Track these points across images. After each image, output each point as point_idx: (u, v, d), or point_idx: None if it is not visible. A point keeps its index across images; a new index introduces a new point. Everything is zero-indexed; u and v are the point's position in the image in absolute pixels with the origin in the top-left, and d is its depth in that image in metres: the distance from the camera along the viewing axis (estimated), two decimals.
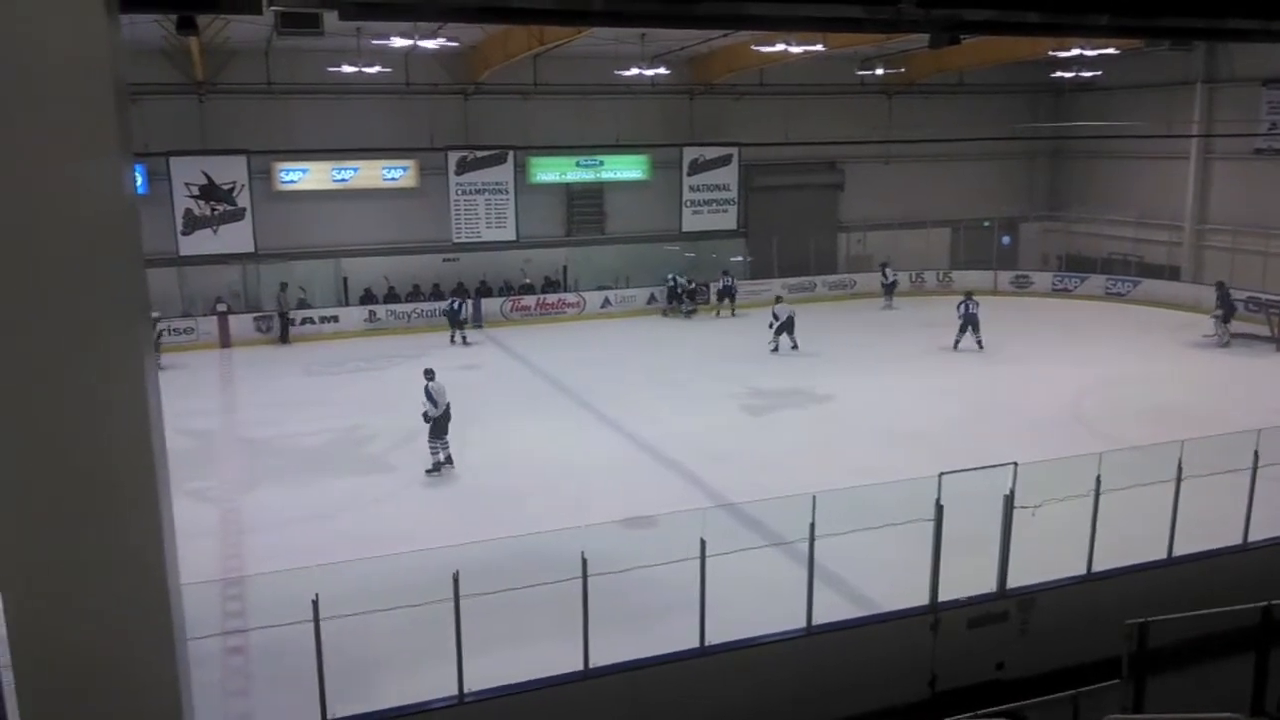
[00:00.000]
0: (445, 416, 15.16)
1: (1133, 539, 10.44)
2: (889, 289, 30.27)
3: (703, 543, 8.33)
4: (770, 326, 23.75)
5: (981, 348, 23.10)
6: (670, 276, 29.35)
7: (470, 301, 27.15)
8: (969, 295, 23.84)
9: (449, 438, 15.26)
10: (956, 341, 23.34)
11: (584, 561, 8.00)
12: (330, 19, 10.21)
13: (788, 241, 31.53)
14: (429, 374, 15.37)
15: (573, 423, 18.15)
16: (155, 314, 21.64)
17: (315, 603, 7.47)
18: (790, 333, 23.65)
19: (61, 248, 2.75)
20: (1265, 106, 28.17)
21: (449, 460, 15.26)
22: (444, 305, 26.42)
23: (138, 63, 20.66)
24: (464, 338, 25.73)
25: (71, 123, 2.70)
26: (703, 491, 14.16)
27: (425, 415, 15.09)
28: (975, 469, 9.17)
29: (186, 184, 25.46)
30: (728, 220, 31.54)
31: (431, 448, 15.14)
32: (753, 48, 24.75)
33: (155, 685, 3.02)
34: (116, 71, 2.88)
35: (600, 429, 17.69)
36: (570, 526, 9.14)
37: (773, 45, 22.71)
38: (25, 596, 2.93)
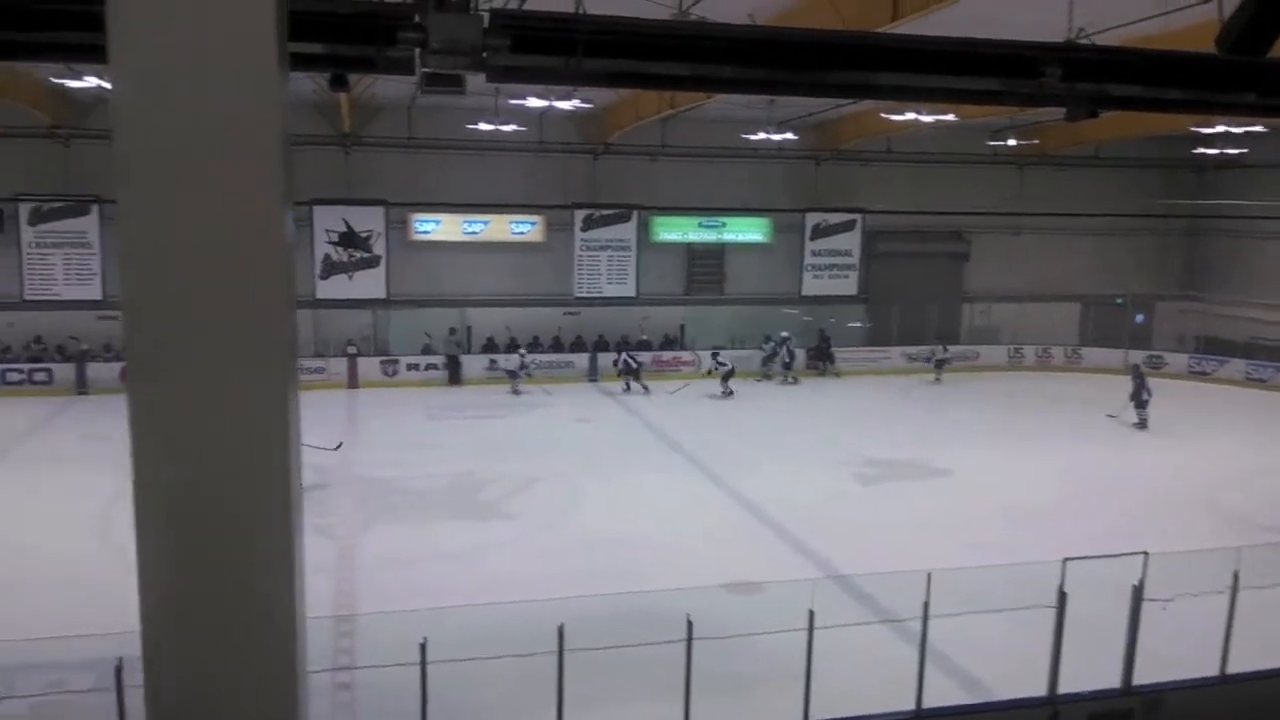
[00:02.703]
0: None
1: (1273, 641, 9.81)
2: (939, 364, 29.27)
3: (811, 615, 8.19)
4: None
5: (1143, 427, 22.41)
6: (771, 339, 28.90)
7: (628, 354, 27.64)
8: (1137, 368, 23.47)
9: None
10: (1142, 421, 22.60)
11: (689, 625, 7.95)
12: (472, 79, 10.69)
13: (909, 310, 31.06)
14: None
15: (683, 481, 18.13)
16: None
17: (423, 646, 7.62)
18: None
19: (229, 288, 2.94)
20: None
21: None
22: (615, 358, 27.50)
23: (291, 115, 21.86)
24: (644, 386, 26.70)
25: (245, 172, 2.90)
26: (810, 560, 13.92)
27: None
28: (1102, 556, 8.79)
29: (328, 231, 26.72)
30: (848, 286, 31.29)
31: None
32: (882, 115, 24.70)
33: (281, 714, 3.13)
34: (284, 124, 3.09)
35: (710, 489, 17.62)
36: (676, 587, 9.11)
37: (902, 114, 22.64)
38: (164, 625, 3.08)
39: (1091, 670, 9.03)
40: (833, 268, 31.03)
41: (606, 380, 27.70)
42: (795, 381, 28.66)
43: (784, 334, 28.76)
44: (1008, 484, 18.01)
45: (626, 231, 29.14)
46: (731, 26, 9.21)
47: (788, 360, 28.57)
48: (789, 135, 26.27)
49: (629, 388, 26.68)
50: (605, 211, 28.91)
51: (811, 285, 30.99)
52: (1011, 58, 7.58)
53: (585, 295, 29.20)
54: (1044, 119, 25.92)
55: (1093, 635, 8.83)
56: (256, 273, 2.95)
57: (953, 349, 31.10)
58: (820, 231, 30.76)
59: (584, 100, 21.14)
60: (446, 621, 8.44)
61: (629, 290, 29.38)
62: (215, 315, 2.89)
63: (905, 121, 23.31)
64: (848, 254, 31.05)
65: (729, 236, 30.65)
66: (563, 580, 12.25)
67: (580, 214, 28.73)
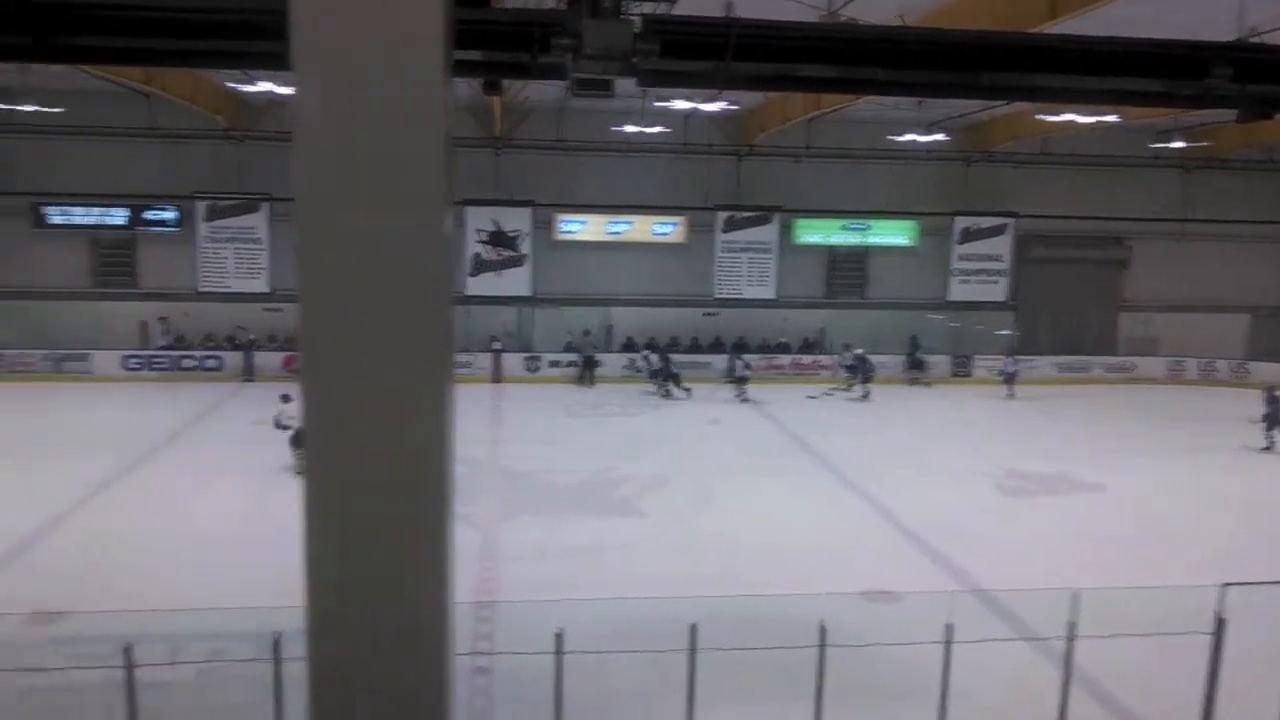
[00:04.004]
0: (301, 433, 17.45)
1: None
2: (1010, 378, 27.34)
3: (949, 628, 8.01)
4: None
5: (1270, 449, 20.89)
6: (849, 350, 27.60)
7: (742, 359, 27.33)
8: (1271, 390, 21.61)
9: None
10: (1271, 443, 21.14)
11: (822, 631, 7.91)
12: (621, 82, 10.87)
13: (1061, 318, 29.87)
14: (285, 398, 17.62)
15: (816, 486, 17.95)
16: None
17: (559, 636, 7.82)
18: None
19: (394, 283, 3.10)
20: None
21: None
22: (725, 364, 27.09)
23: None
24: (685, 390, 26.04)
25: (411, 173, 3.06)
26: (948, 572, 13.57)
27: (279, 426, 17.67)
28: (1266, 583, 8.30)
29: (478, 230, 27.61)
30: (996, 292, 30.32)
31: (297, 455, 17.09)
32: (1036, 116, 23.86)
33: (430, 695, 3.30)
34: (447, 129, 3.26)
35: (845, 494, 17.38)
36: (809, 593, 9.06)
37: (1059, 114, 21.81)
38: (327, 601, 3.27)
39: (1249, 703, 8.54)
40: (981, 273, 30.12)
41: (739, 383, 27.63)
42: (928, 385, 28.05)
43: (858, 350, 27.20)
44: (1159, 501, 17.15)
45: (768, 233, 29.02)
46: (882, 28, 9.09)
47: (869, 373, 26.65)
48: (939, 136, 25.64)
49: (669, 393, 25.94)
50: (747, 213, 28.85)
51: (958, 290, 30.17)
52: (1177, 58, 7.24)
53: (724, 296, 29.22)
54: (1214, 119, 24.54)
55: (1251, 666, 8.34)
56: (419, 269, 3.13)
57: (1107, 359, 29.74)
58: (969, 235, 29.92)
59: (730, 103, 21.17)
60: (581, 613, 8.63)
61: (768, 292, 29.25)
62: (381, 309, 3.07)
63: (1062, 122, 22.46)
64: (998, 259, 30.09)
65: (873, 239, 30.13)
66: (694, 580, 12.32)
67: (722, 216, 28.78)
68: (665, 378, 26.12)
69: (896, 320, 29.67)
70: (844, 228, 29.88)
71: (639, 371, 26.98)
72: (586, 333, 28.55)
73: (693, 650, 7.84)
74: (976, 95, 11.16)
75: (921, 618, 8.37)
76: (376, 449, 3.14)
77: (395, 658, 3.33)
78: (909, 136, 25.27)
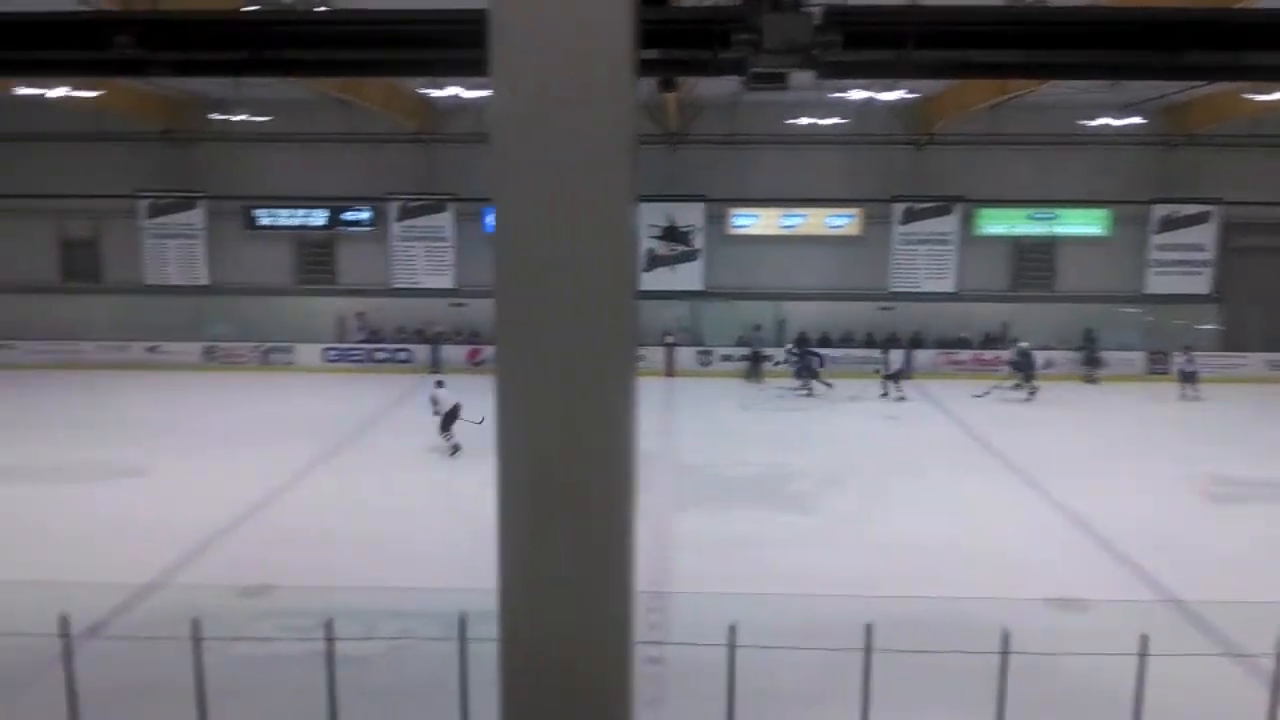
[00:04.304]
0: (450, 416, 18.88)
1: None
2: (1188, 378, 24.72)
3: (1144, 639, 7.60)
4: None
5: None
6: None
7: (899, 353, 26.65)
8: None
9: (453, 432, 18.80)
10: None
11: (1005, 637, 7.65)
12: (795, 74, 10.79)
13: (1273, 311, 27.64)
14: (439, 384, 19.74)
15: (999, 486, 17.29)
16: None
17: (733, 629, 7.87)
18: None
19: (583, 279, 3.22)
20: None
21: (455, 448, 18.73)
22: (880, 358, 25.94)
23: None
24: (826, 383, 25.37)
25: (599, 172, 3.17)
26: (1144, 582, 12.82)
27: (435, 412, 19.06)
28: None
29: (651, 225, 27.93)
30: (1199, 284, 28.34)
31: (444, 437, 18.92)
32: (1244, 96, 22.15)
33: (616, 680, 3.41)
34: (633, 128, 3.35)
35: (1030, 496, 16.67)
36: (992, 597, 8.77)
37: (1270, 94, 20.18)
38: (518, 594, 3.40)
39: None
40: (1182, 264, 28.22)
41: (919, 378, 26.90)
42: (1096, 382, 26.66)
43: (1023, 344, 25.71)
44: None
45: (948, 225, 28.13)
46: (1070, 9, 8.66)
47: (1030, 370, 25.05)
48: (1134, 120, 24.18)
49: (810, 390, 25.17)
50: (926, 204, 28.04)
51: (1156, 283, 28.38)
52: None
53: (901, 290, 28.51)
54: None
55: None
56: (606, 265, 3.22)
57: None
58: (1169, 224, 28.09)
59: (908, 90, 20.64)
60: (753, 607, 8.66)
61: (948, 285, 28.36)
62: (570, 304, 3.18)
63: (1272, 101, 20.76)
64: (1200, 249, 28.12)
65: (1061, 229, 28.71)
66: (869, 579, 12.13)
67: (899, 207, 28.08)
68: (809, 373, 25.56)
69: (1085, 314, 28.18)
70: (1030, 217, 28.61)
71: (780, 364, 26.50)
72: (757, 328, 28.46)
73: (868, 651, 7.74)
74: (1178, 77, 10.48)
75: (1114, 628, 8.00)
76: (565, 442, 3.27)
77: (583, 641, 3.45)
78: (1101, 120, 23.95)
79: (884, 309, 28.80)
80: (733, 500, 16.43)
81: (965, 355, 28.01)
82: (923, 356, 27.78)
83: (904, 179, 28.16)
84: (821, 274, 28.82)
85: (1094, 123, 24.33)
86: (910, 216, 28.19)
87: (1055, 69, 9.07)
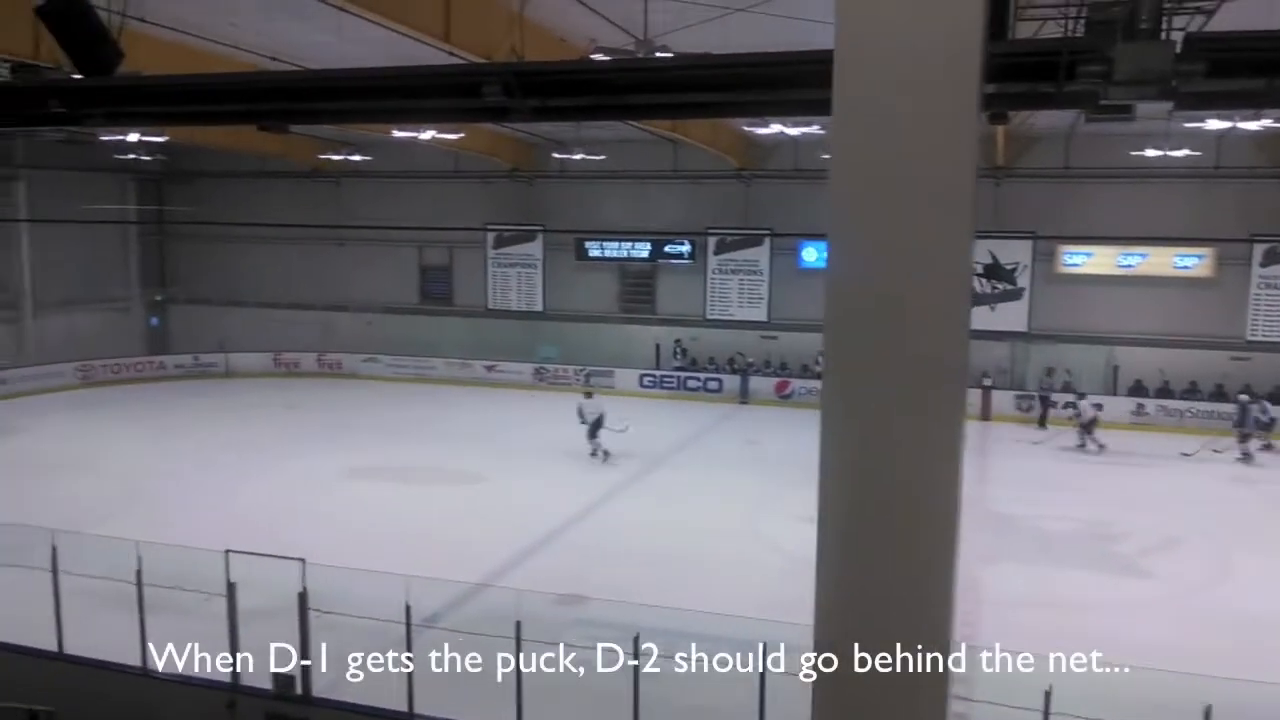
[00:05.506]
0: (595, 424, 20.57)
1: None
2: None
3: None
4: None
5: None
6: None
7: (1259, 404, 23.65)
8: None
9: (599, 439, 20.55)
10: None
11: None
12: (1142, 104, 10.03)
13: None
14: (587, 394, 21.69)
15: None
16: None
17: (1048, 694, 7.42)
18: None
19: (917, 316, 3.25)
20: None
21: (604, 454, 20.47)
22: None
23: None
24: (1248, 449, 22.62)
25: (939, 209, 3.20)
26: None
27: (582, 421, 20.78)
28: None
29: (974, 263, 26.84)
30: None
31: (591, 444, 20.60)
32: None
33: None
34: (975, 164, 3.34)
35: None
36: None
37: None
38: (836, 624, 3.46)
39: None
40: None
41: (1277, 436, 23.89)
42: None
43: (1243, 396, 22.63)
44: None
45: None
46: None
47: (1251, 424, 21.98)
48: None
49: (1247, 455, 22.13)
50: None
51: None
52: None
53: (1259, 340, 25.48)
54: None
55: None
56: (941, 303, 3.23)
57: None
58: None
59: (1277, 119, 18.52)
60: (1066, 674, 8.10)
61: None
62: (902, 340, 3.22)
63: None
64: None
65: None
66: (1205, 655, 10.92)
67: (1260, 248, 25.17)
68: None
69: None
70: None
71: (1070, 412, 24.30)
72: (1050, 373, 26.54)
73: None
74: None
75: None
76: (890, 477, 3.30)
77: (898, 691, 3.46)
78: None
79: (1237, 359, 25.83)
80: (1052, 556, 15.45)
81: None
82: None
83: (1267, 217, 25.19)
84: (1163, 317, 26.34)
85: None
86: (1273, 259, 25.18)
87: None
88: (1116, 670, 9.08)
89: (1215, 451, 22.04)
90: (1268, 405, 23.29)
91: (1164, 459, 22.24)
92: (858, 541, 3.38)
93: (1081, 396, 24.22)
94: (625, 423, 20.75)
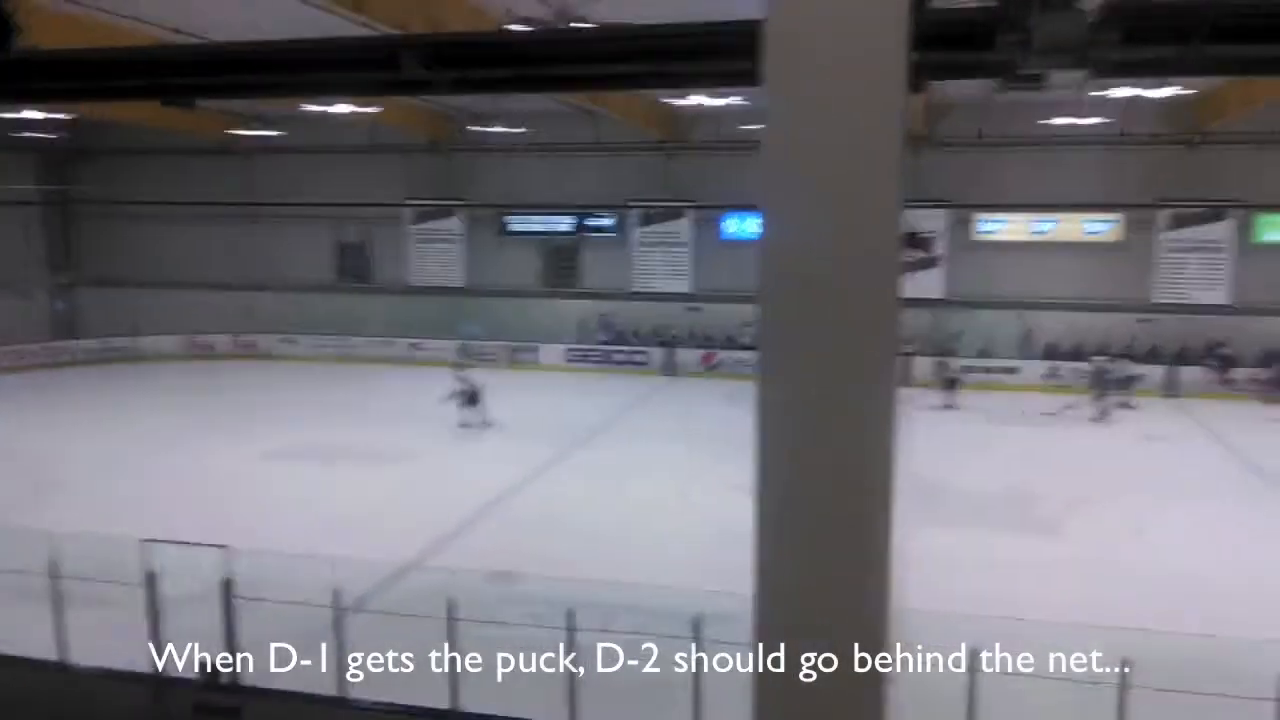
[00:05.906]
0: (472, 397, 21.40)
1: None
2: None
3: None
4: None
5: None
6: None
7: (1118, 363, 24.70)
8: None
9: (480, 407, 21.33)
10: None
11: None
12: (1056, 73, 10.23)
13: None
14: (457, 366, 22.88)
15: (1273, 520, 15.72)
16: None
17: (974, 652, 7.61)
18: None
19: (846, 287, 3.25)
20: None
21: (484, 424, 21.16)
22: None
23: None
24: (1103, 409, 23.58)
25: (867, 179, 3.20)
26: None
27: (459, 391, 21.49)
28: None
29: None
30: None
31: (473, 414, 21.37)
32: None
33: (871, 695, 3.43)
34: (902, 134, 3.35)
35: None
36: (1264, 639, 8.02)
37: None
38: (774, 604, 3.47)
39: None
40: None
41: (1188, 396, 24.84)
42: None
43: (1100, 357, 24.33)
44: None
45: (1220, 231, 25.82)
46: None
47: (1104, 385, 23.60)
48: None
49: (1104, 413, 23.24)
50: (1196, 209, 25.84)
51: None
52: None
53: (1164, 301, 26.41)
54: None
55: None
56: (869, 273, 3.24)
57: None
58: None
59: (1184, 87, 19.09)
60: (991, 630, 8.33)
61: (1220, 297, 25.99)
62: (836, 308, 3.22)
63: None
64: None
65: None
66: (1123, 613, 11.28)
67: (1165, 213, 26.03)
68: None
69: None
70: None
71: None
72: (956, 337, 27.29)
73: (1121, 688, 7.27)
74: None
75: None
76: (825, 445, 3.30)
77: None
78: None
79: (1143, 320, 26.75)
80: (973, 519, 15.78)
81: (1241, 374, 25.59)
82: (1190, 374, 25.61)
83: (1171, 182, 26.03)
84: (1075, 283, 27.12)
85: None
86: (1178, 222, 26.08)
87: None
88: (1039, 623, 9.36)
89: (1068, 409, 23.22)
90: (1130, 365, 24.55)
91: (1083, 421, 22.94)
92: (796, 508, 3.38)
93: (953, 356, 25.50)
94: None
